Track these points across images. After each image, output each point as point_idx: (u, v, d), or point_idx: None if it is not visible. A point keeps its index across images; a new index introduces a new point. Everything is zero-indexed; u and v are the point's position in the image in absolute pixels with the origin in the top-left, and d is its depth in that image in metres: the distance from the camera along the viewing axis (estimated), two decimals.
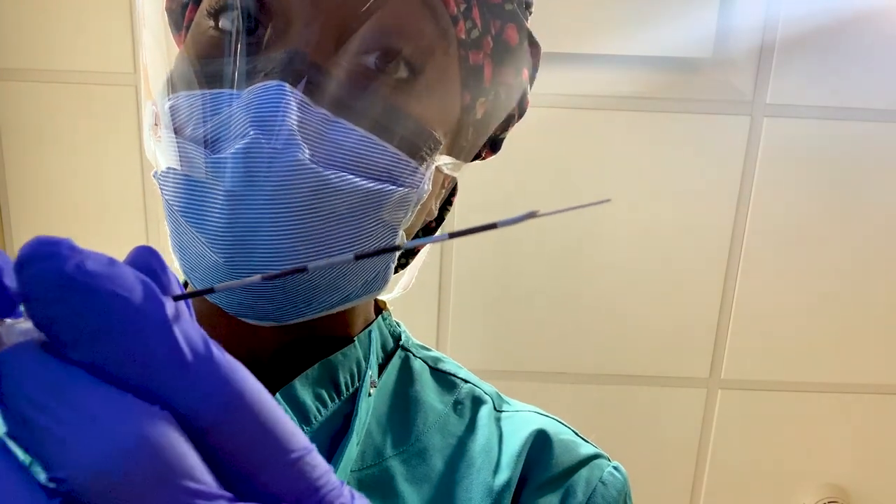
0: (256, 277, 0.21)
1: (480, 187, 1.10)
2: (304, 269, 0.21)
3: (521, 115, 0.49)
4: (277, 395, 0.41)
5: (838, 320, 1.20)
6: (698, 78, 1.11)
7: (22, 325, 0.19)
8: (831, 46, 1.10)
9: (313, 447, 0.19)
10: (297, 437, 0.19)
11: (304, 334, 0.44)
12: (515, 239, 1.17)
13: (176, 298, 0.19)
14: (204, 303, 0.43)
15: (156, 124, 0.40)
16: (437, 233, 0.50)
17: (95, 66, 1.12)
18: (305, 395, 0.42)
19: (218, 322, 0.43)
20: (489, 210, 1.15)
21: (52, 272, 0.17)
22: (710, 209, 1.16)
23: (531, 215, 0.20)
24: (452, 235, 0.21)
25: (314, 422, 0.42)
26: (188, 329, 0.18)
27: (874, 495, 1.29)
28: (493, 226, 0.20)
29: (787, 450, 1.26)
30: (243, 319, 0.40)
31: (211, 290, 0.21)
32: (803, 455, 1.27)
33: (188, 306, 0.20)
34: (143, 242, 1.17)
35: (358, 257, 0.21)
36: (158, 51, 0.42)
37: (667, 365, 1.22)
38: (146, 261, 0.20)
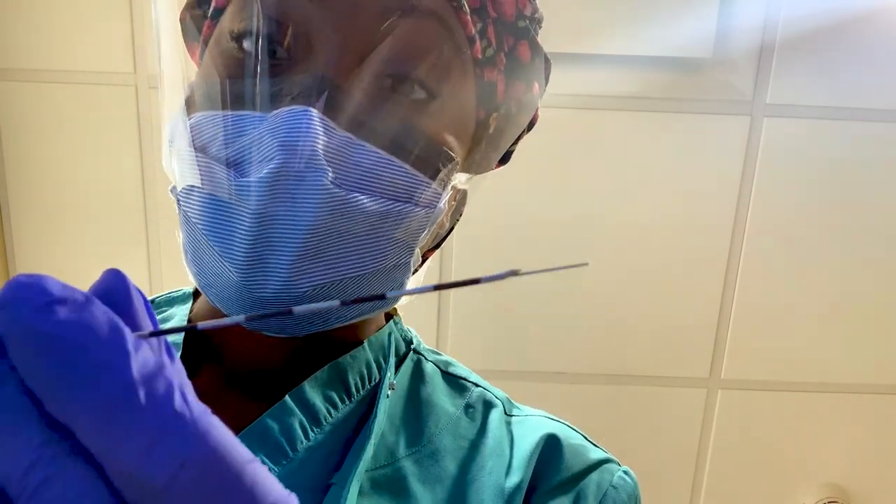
0: (241, 317, 0.21)
1: (480, 188, 1.09)
2: (289, 312, 0.21)
3: (530, 127, 0.50)
4: (287, 397, 0.41)
5: (838, 320, 1.20)
6: (698, 78, 1.11)
7: None
8: (831, 46, 1.10)
9: (287, 497, 0.19)
10: (267, 492, 0.18)
11: (316, 340, 0.44)
12: (516, 239, 1.17)
13: (152, 335, 0.19)
14: (217, 312, 0.43)
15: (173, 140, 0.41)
16: (446, 239, 0.51)
17: (95, 66, 1.12)
18: (315, 397, 0.42)
19: (229, 330, 0.44)
20: (488, 211, 1.15)
21: (18, 320, 0.17)
22: (710, 209, 1.16)
23: (513, 273, 0.21)
24: (437, 287, 0.22)
25: (325, 423, 0.42)
26: (155, 383, 0.17)
27: (874, 495, 1.29)
28: (476, 281, 0.21)
29: (787, 450, 1.26)
30: (259, 332, 0.41)
31: (194, 327, 0.21)
32: (803, 455, 1.27)
33: (166, 343, 0.20)
34: (142, 242, 1.18)
35: (343, 303, 0.22)
36: (178, 64, 0.42)
37: (667, 365, 1.22)
38: (113, 290, 0.20)
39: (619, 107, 1.12)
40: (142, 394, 0.17)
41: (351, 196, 0.37)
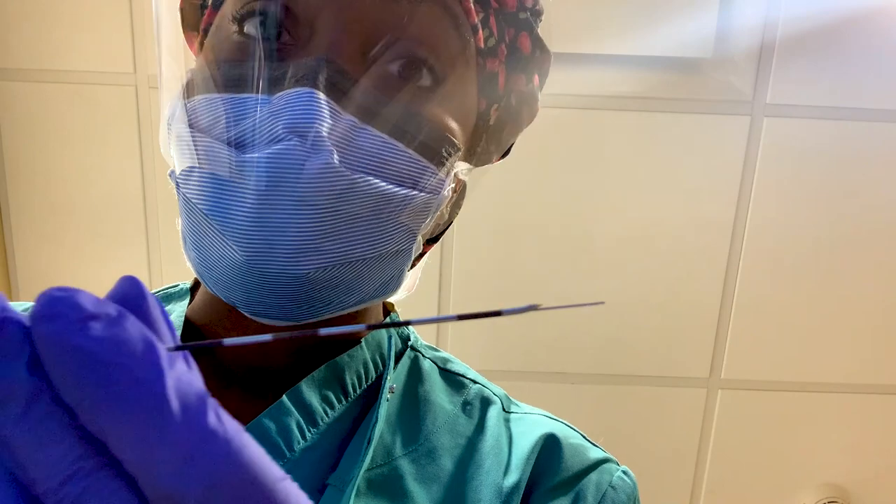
0: (268, 336, 0.21)
1: (480, 187, 1.10)
2: (314, 334, 0.21)
3: (530, 121, 0.50)
4: (284, 397, 0.41)
5: (838, 320, 1.20)
6: (698, 78, 1.11)
7: None
8: (831, 46, 1.10)
9: None
10: None
11: (315, 337, 0.44)
12: (515, 238, 1.17)
13: (179, 348, 0.19)
14: (218, 303, 0.43)
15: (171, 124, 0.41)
16: (445, 232, 0.50)
17: (95, 66, 1.12)
18: (312, 396, 0.42)
19: (230, 325, 0.44)
20: (488, 210, 1.15)
21: (54, 335, 0.17)
22: (710, 209, 1.16)
23: (532, 308, 0.21)
24: (461, 317, 0.22)
25: (321, 423, 0.42)
26: (189, 399, 0.18)
27: (874, 495, 1.29)
28: (497, 313, 0.21)
29: (787, 450, 1.26)
30: (259, 319, 0.40)
31: (219, 343, 0.21)
32: (803, 455, 1.27)
33: (184, 354, 0.20)
34: (142, 242, 1.18)
35: (369, 328, 0.22)
36: (178, 51, 0.42)
37: (667, 365, 1.22)
38: (129, 297, 0.20)
39: (619, 107, 1.12)
40: (176, 410, 0.17)
41: (357, 176, 0.37)
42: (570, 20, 1.08)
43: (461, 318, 0.21)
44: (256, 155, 0.36)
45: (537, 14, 0.46)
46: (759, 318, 1.20)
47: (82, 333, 0.17)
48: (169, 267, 1.20)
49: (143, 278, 1.19)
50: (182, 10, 0.45)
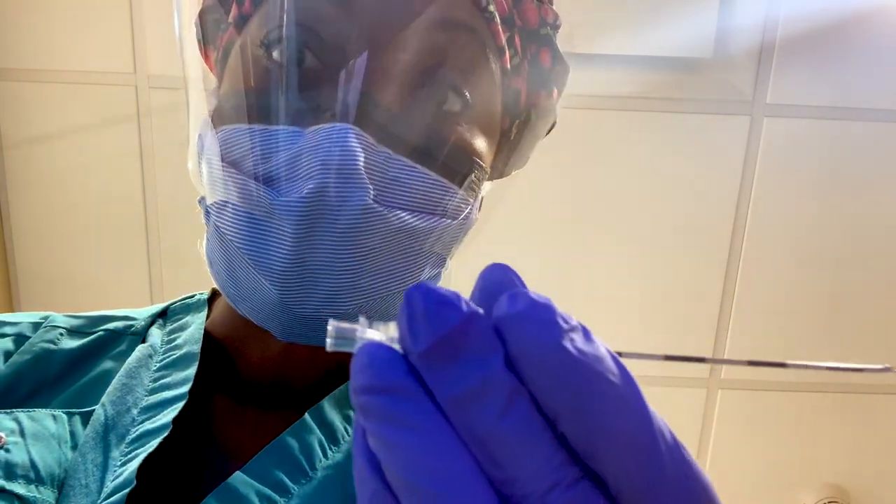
0: (660, 356, 0.21)
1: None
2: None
3: (549, 132, 0.50)
4: (307, 415, 0.41)
5: (838, 319, 1.20)
6: (698, 78, 1.11)
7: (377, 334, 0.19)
8: (831, 46, 1.10)
9: None
10: None
11: (339, 356, 0.44)
12: (516, 238, 1.17)
13: (620, 355, 0.19)
14: (240, 318, 0.42)
15: (201, 153, 0.40)
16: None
17: (95, 66, 1.12)
18: (334, 415, 0.42)
19: (249, 343, 0.43)
20: (487, 209, 1.15)
21: (547, 342, 0.17)
22: (710, 209, 1.16)
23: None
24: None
25: (343, 442, 0.41)
26: (660, 420, 0.18)
27: (874, 495, 1.29)
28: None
29: (787, 450, 1.26)
30: (292, 341, 0.40)
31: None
32: (803, 455, 1.27)
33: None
34: (142, 243, 1.17)
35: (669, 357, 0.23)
36: (201, 70, 0.42)
37: (667, 364, 1.22)
38: (501, 283, 0.19)
39: (619, 107, 1.12)
40: (660, 435, 0.17)
41: (392, 214, 0.37)
42: (570, 20, 1.08)
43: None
44: (293, 197, 0.35)
45: (556, 28, 0.46)
46: (759, 317, 1.20)
47: (572, 343, 0.17)
48: (168, 267, 1.20)
49: (143, 278, 1.19)
50: (200, 24, 0.44)
